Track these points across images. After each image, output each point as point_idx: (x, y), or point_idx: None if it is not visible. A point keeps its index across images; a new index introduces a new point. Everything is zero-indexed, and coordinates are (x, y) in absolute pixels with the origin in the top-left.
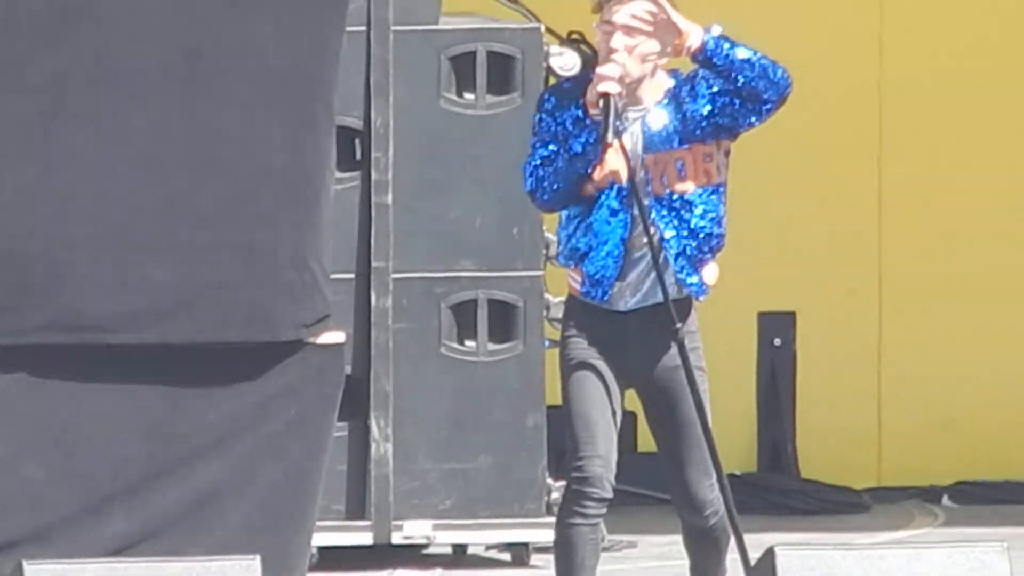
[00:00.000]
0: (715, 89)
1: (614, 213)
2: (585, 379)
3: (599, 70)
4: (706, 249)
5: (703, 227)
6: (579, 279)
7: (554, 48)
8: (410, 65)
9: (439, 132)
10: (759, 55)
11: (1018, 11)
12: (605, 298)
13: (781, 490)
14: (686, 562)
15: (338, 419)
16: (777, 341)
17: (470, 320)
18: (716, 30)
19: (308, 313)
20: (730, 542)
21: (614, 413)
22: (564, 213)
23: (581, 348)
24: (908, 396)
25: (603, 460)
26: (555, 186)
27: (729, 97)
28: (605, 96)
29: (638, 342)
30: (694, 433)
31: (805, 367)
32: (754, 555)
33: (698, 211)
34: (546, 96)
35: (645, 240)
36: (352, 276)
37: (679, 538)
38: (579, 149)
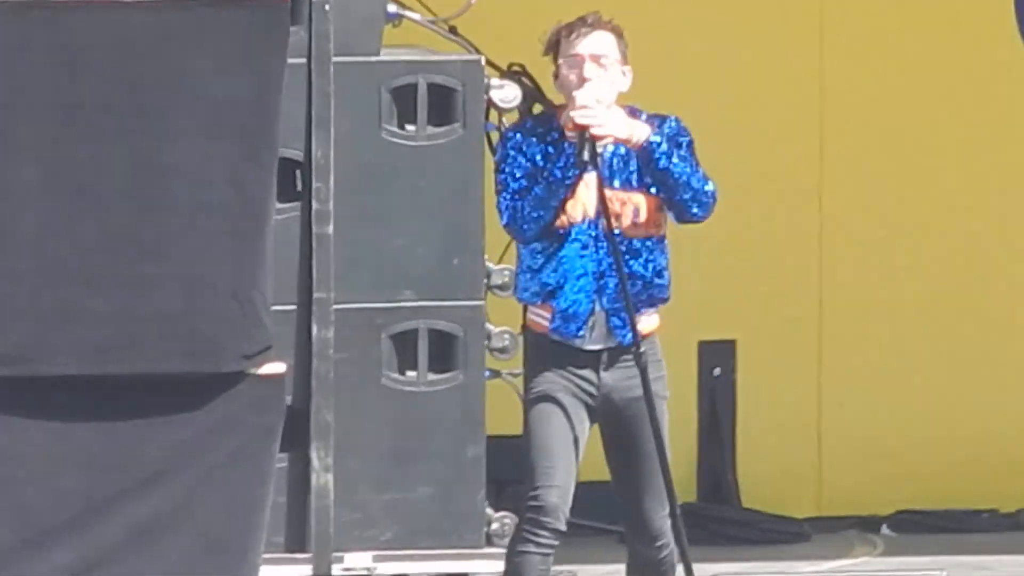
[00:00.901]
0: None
1: (585, 247)
2: (549, 411)
3: (577, 94)
4: (643, 297)
5: (642, 275)
6: (547, 315)
7: (495, 80)
8: (351, 97)
9: (380, 163)
10: (695, 173)
11: (958, 45)
12: (579, 333)
13: (722, 520)
14: None
15: (279, 450)
16: (717, 370)
17: (411, 350)
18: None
19: (249, 344)
20: None
21: (576, 446)
22: (527, 249)
23: (547, 382)
24: (848, 425)
25: (560, 491)
26: (535, 214)
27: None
28: (581, 128)
29: (605, 377)
30: (653, 464)
31: (745, 396)
32: None
33: (640, 259)
34: (511, 133)
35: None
36: (293, 307)
37: (620, 567)
38: (559, 174)
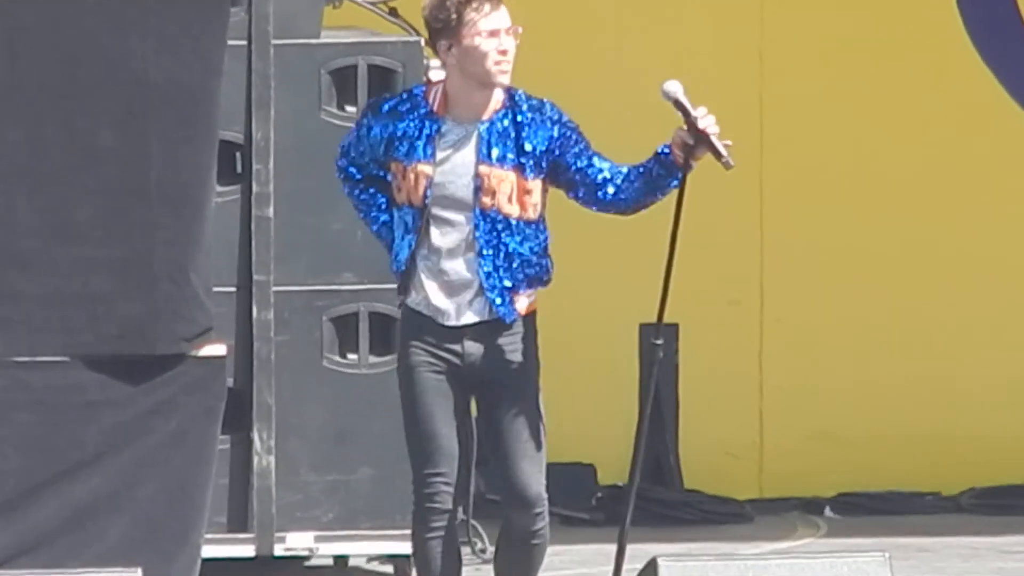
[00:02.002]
0: (580, 164)
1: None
2: (425, 391)
3: (699, 111)
4: (520, 276)
5: (520, 253)
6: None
7: (434, 61)
8: (291, 79)
9: (320, 145)
10: None
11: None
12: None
13: (664, 501)
14: (568, 570)
15: (221, 432)
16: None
17: (352, 333)
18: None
19: (188, 327)
20: (542, 563)
21: (458, 422)
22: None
23: (416, 356)
24: (789, 407)
25: (443, 476)
26: (360, 213)
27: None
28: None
29: (469, 346)
30: (528, 426)
31: (687, 378)
32: (636, 566)
33: (517, 238)
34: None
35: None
36: (234, 289)
37: (561, 548)
38: (402, 157)
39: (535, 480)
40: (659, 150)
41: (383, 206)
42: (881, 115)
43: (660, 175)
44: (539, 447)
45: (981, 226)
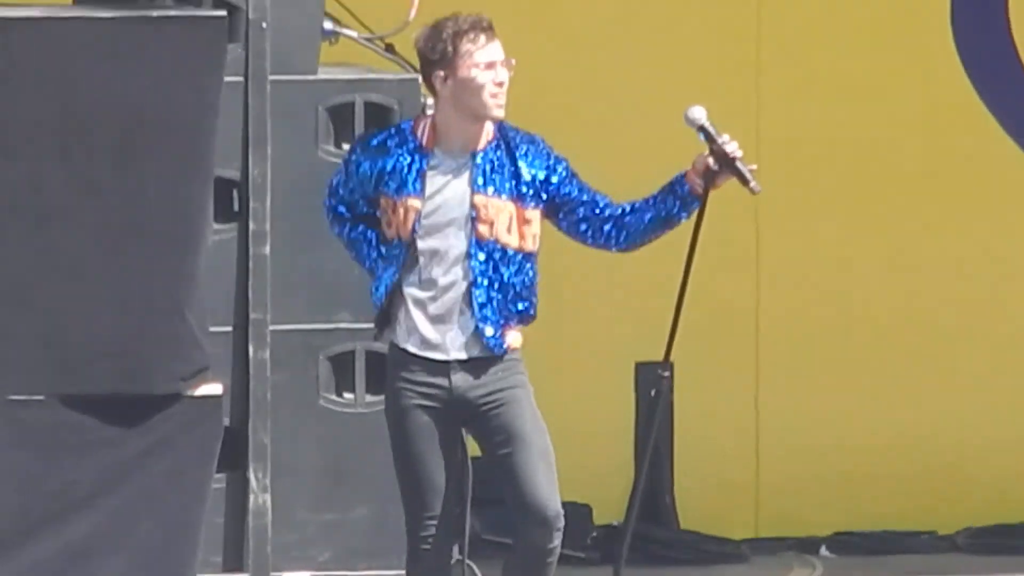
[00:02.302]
0: (585, 197)
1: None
2: (414, 432)
3: (726, 137)
4: (512, 309)
5: (514, 285)
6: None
7: (431, 100)
8: (288, 116)
9: (317, 183)
10: None
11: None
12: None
13: (660, 540)
14: None
15: (216, 471)
16: (654, 392)
17: (348, 372)
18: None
19: (185, 366)
20: None
21: (449, 459)
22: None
23: (404, 397)
24: (785, 447)
25: (436, 517)
26: (351, 251)
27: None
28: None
29: (456, 379)
30: (536, 442)
31: (682, 417)
32: None
33: (513, 268)
34: (350, 155)
35: (453, 290)
36: (230, 328)
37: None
38: (391, 192)
39: (553, 496)
40: (672, 181)
41: (374, 242)
42: (878, 163)
43: (673, 207)
44: (550, 462)
45: (978, 265)
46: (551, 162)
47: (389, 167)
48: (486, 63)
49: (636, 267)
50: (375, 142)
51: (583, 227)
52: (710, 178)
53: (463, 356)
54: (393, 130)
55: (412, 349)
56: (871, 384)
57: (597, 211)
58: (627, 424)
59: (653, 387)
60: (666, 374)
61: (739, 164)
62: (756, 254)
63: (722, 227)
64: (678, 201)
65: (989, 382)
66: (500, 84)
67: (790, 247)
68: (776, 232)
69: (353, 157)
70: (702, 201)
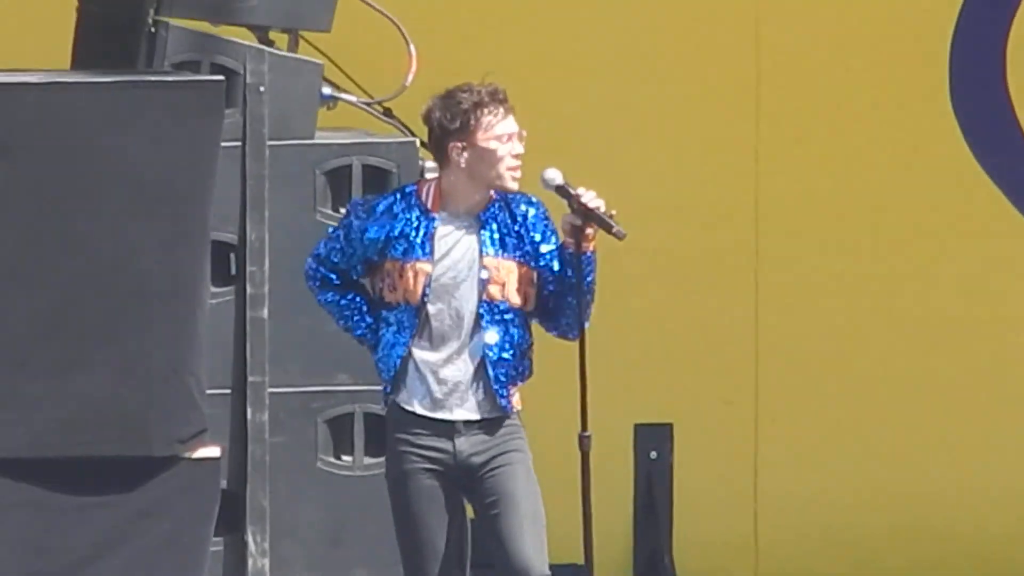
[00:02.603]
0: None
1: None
2: (416, 496)
3: (584, 191)
4: (519, 368)
5: (522, 344)
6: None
7: (429, 163)
8: (286, 179)
9: (314, 246)
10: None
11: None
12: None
13: None
14: None
15: (215, 533)
16: (653, 454)
17: (346, 434)
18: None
19: (183, 428)
20: None
21: (448, 523)
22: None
23: (406, 462)
24: (784, 507)
25: None
26: (338, 322)
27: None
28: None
29: (461, 443)
30: (528, 508)
31: (681, 478)
32: None
33: (521, 329)
34: (349, 220)
35: (464, 353)
36: (228, 390)
37: None
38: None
39: (539, 557)
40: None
41: (365, 309)
42: (867, 222)
43: (572, 275)
44: (539, 525)
45: (982, 317)
46: (547, 232)
47: (397, 231)
48: (507, 135)
49: (634, 330)
50: (381, 207)
51: (548, 303)
52: (578, 234)
53: (473, 416)
54: (398, 195)
55: (419, 410)
56: (871, 440)
57: (555, 292)
58: (626, 485)
59: (653, 448)
60: (587, 435)
61: (599, 213)
62: (755, 317)
63: (720, 289)
64: (570, 268)
65: (992, 438)
66: (517, 156)
67: (789, 306)
68: (775, 292)
69: (356, 223)
70: (577, 256)
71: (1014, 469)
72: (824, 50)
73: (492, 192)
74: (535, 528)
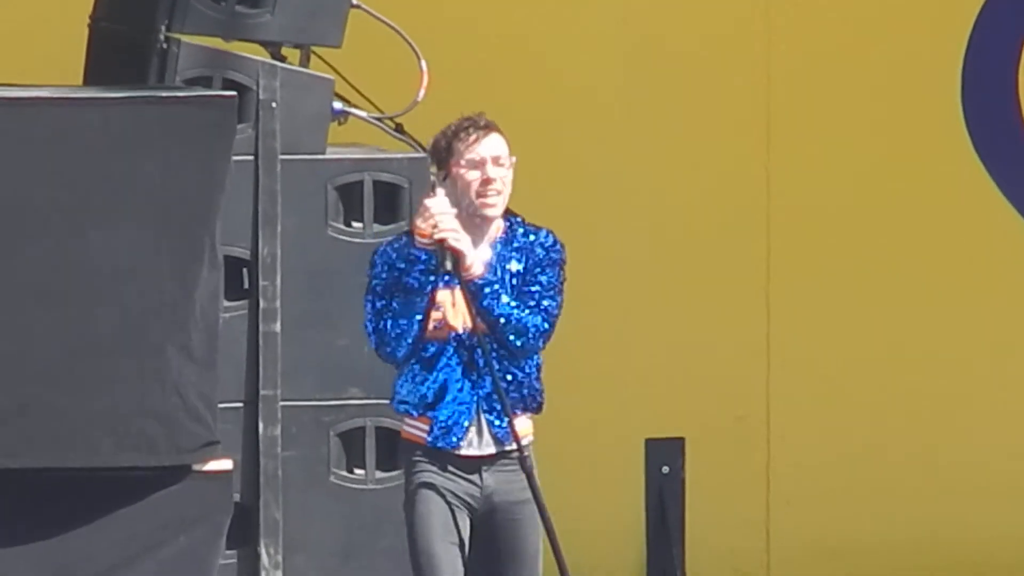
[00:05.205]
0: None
1: (460, 356)
2: (431, 515)
3: (429, 203)
4: (517, 396)
5: (523, 380)
6: (426, 427)
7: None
8: (298, 194)
9: (327, 261)
10: (522, 312)
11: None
12: (459, 443)
13: None
14: None
15: (228, 547)
16: (665, 468)
17: (358, 448)
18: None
19: (196, 441)
20: None
21: (461, 549)
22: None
23: (428, 485)
24: (797, 523)
25: None
26: (396, 331)
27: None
28: (442, 243)
29: (488, 478)
30: (535, 567)
31: (693, 492)
32: None
33: (518, 363)
34: (383, 249)
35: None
36: (241, 404)
37: None
38: (414, 283)
39: None
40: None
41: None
42: (890, 226)
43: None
44: None
45: (991, 327)
46: (538, 254)
47: (402, 262)
48: (480, 160)
49: (645, 344)
50: (403, 240)
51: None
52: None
53: (478, 454)
54: (406, 239)
55: (432, 445)
56: (883, 460)
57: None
58: (637, 500)
59: (665, 463)
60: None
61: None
62: (767, 332)
63: (731, 305)
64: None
65: (1007, 453)
66: (487, 182)
67: (801, 322)
68: (787, 307)
69: (385, 252)
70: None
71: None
72: (835, 61)
73: (502, 226)
74: None
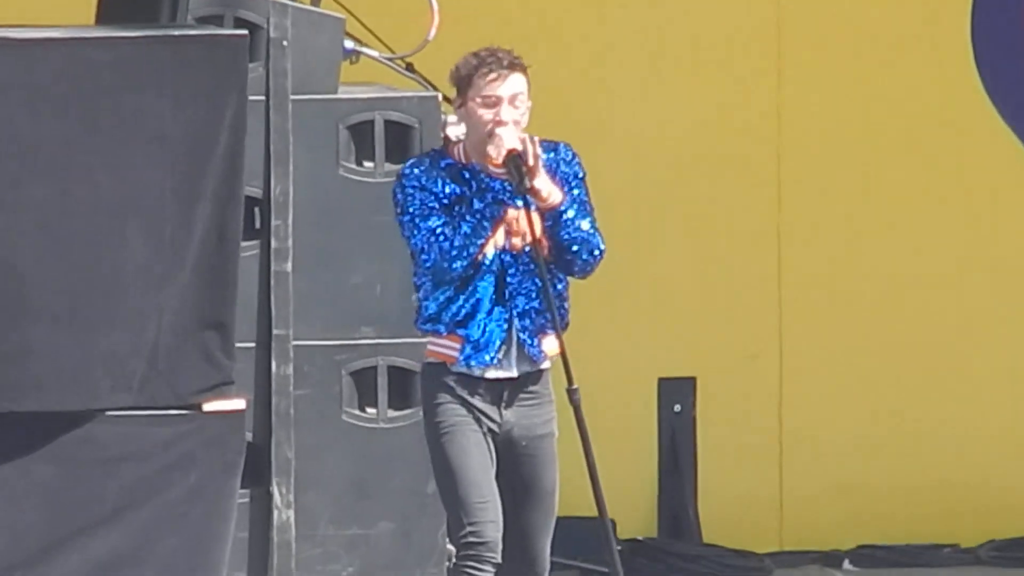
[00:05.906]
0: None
1: (495, 274)
2: (466, 443)
3: (500, 131)
4: (548, 316)
5: (561, 295)
6: (457, 346)
7: (451, 116)
8: (309, 134)
9: (338, 200)
10: (592, 232)
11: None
12: (493, 361)
13: (683, 555)
14: None
15: (241, 486)
16: (677, 407)
17: (371, 387)
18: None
19: (209, 380)
20: None
21: (495, 479)
22: (432, 279)
23: (455, 415)
24: (809, 461)
25: (495, 525)
26: (465, 251)
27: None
28: (513, 152)
29: (507, 413)
30: (549, 503)
31: (705, 432)
32: None
33: (560, 280)
34: (409, 171)
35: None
36: (253, 344)
37: None
38: (481, 206)
39: (544, 552)
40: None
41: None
42: (904, 170)
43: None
44: (551, 521)
45: (1004, 280)
46: (561, 168)
47: (451, 187)
48: (494, 98)
49: (657, 284)
50: (427, 161)
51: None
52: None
53: (507, 375)
54: (436, 153)
55: (457, 368)
56: (895, 398)
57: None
58: (651, 439)
59: (677, 402)
60: (575, 388)
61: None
62: (779, 266)
63: (744, 243)
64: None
65: (1015, 393)
66: (499, 123)
67: (813, 257)
68: (799, 245)
69: (414, 174)
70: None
71: None
72: (848, 45)
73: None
74: (548, 525)
